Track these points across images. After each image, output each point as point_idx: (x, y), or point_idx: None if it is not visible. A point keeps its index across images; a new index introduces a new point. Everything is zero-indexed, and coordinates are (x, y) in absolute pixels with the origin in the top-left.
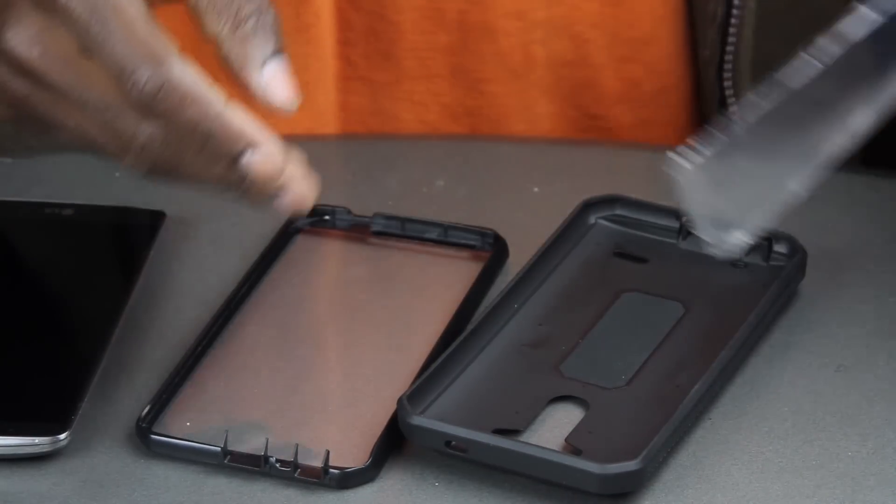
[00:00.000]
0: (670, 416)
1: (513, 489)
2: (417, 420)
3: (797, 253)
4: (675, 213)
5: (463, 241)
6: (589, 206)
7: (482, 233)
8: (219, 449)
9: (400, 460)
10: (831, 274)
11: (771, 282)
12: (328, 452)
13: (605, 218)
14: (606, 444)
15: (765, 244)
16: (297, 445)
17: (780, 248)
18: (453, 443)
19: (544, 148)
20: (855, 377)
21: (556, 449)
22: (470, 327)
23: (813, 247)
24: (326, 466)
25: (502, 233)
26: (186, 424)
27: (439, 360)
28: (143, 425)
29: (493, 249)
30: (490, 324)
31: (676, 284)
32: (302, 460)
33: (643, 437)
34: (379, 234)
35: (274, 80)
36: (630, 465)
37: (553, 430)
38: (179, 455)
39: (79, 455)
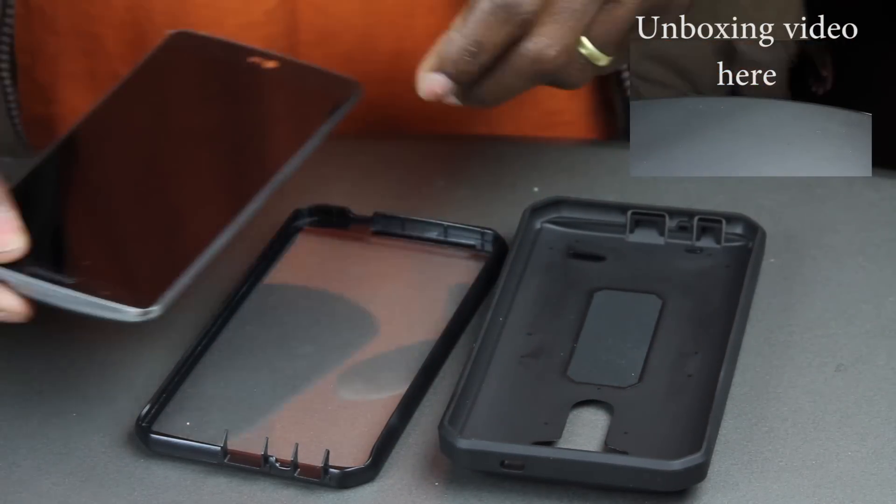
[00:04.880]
0: (698, 406)
1: (512, 489)
2: (466, 443)
3: (753, 231)
4: (621, 208)
5: (463, 241)
6: (535, 211)
7: (482, 233)
8: (219, 448)
9: (400, 460)
10: (831, 273)
11: (733, 262)
12: (328, 452)
13: (550, 222)
14: (646, 442)
15: (717, 227)
16: (297, 445)
17: (732, 229)
18: (507, 461)
19: (544, 148)
20: (854, 377)
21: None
22: (475, 345)
23: (813, 246)
24: (326, 466)
25: (502, 233)
26: (186, 424)
27: (460, 381)
28: (143, 425)
29: (493, 249)
30: (487, 341)
31: (643, 277)
32: (302, 460)
33: (680, 431)
34: (379, 233)
35: None
36: (696, 459)
37: (584, 435)
38: (179, 455)
39: (79, 455)
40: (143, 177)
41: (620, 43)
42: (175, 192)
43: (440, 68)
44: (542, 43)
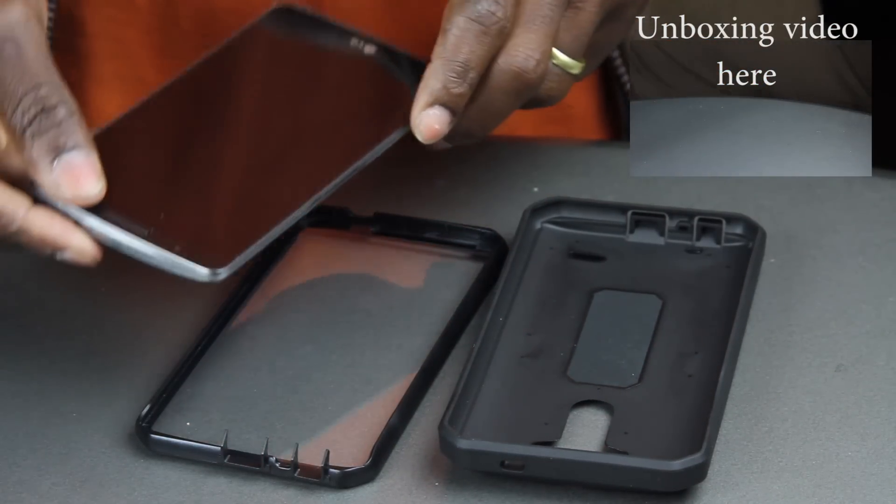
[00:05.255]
0: (698, 407)
1: (512, 489)
2: (466, 443)
3: (753, 232)
4: (620, 208)
5: (463, 241)
6: (535, 211)
7: (482, 233)
8: (219, 448)
9: (400, 460)
10: (831, 273)
11: (733, 262)
12: (328, 452)
13: (550, 222)
14: (646, 442)
15: (717, 227)
16: (297, 445)
17: (732, 229)
18: (507, 461)
19: (544, 148)
20: (855, 377)
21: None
22: (475, 345)
23: (813, 246)
24: (326, 466)
25: (502, 233)
26: (186, 424)
27: (460, 381)
28: (143, 425)
29: (493, 249)
30: (487, 341)
31: (643, 277)
32: (302, 460)
33: (680, 431)
34: (379, 233)
35: (63, 177)
36: (696, 459)
37: (584, 435)
38: (179, 455)
39: (79, 455)
40: (226, 142)
41: (587, 47)
42: (256, 161)
43: (433, 102)
44: (522, 54)
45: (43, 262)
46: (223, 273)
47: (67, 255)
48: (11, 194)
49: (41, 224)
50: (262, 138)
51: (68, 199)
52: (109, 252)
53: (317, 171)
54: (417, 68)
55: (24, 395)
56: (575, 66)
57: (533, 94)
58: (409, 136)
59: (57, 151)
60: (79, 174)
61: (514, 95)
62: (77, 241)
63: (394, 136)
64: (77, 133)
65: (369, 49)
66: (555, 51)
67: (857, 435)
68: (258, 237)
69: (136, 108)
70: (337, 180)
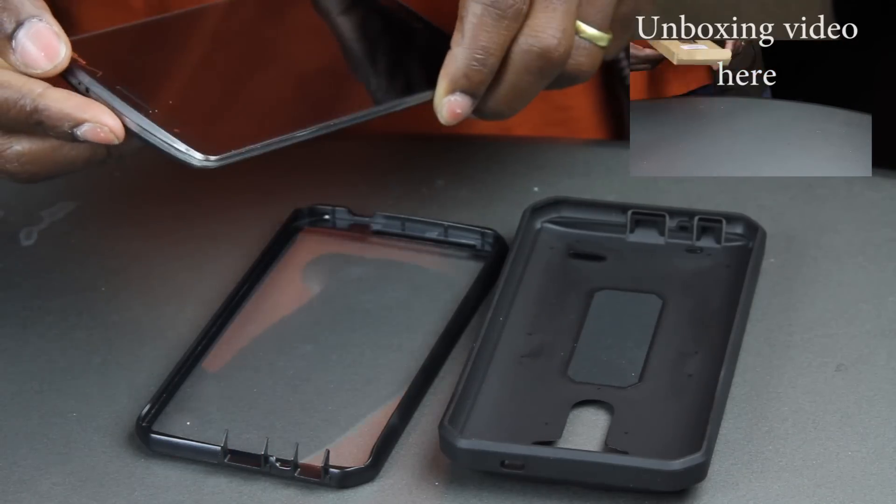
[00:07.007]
0: (698, 406)
1: (512, 489)
2: (467, 443)
3: (753, 231)
4: (620, 208)
5: (463, 241)
6: (535, 211)
7: (482, 233)
8: (219, 448)
9: (400, 460)
10: (831, 273)
11: (733, 262)
12: (328, 452)
13: (550, 222)
14: (646, 442)
15: (717, 227)
16: (297, 445)
17: (732, 228)
18: (507, 461)
19: (544, 148)
20: (855, 377)
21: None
22: (475, 345)
23: (813, 246)
24: (326, 466)
25: (502, 233)
26: (186, 424)
27: (460, 381)
28: (144, 425)
29: (493, 249)
30: (487, 341)
31: (643, 277)
32: (302, 460)
33: (680, 431)
34: (379, 233)
35: (25, 50)
36: (696, 459)
37: (584, 435)
38: (179, 454)
39: (79, 455)
40: (252, 49)
41: (614, 21)
42: (276, 74)
43: (454, 88)
44: (544, 34)
45: (43, 261)
46: (214, 161)
47: (86, 128)
48: (28, 78)
49: (58, 97)
50: (288, 54)
51: (38, 74)
52: (109, 252)
53: (326, 104)
54: (441, 39)
55: (24, 395)
56: (602, 38)
57: (559, 70)
58: (420, 116)
59: (13, 30)
60: (34, 47)
61: (539, 75)
62: (94, 112)
63: (408, 101)
64: (23, 7)
65: (397, 11)
66: (581, 24)
67: (857, 435)
68: (255, 142)
69: (158, 18)
70: (343, 119)
